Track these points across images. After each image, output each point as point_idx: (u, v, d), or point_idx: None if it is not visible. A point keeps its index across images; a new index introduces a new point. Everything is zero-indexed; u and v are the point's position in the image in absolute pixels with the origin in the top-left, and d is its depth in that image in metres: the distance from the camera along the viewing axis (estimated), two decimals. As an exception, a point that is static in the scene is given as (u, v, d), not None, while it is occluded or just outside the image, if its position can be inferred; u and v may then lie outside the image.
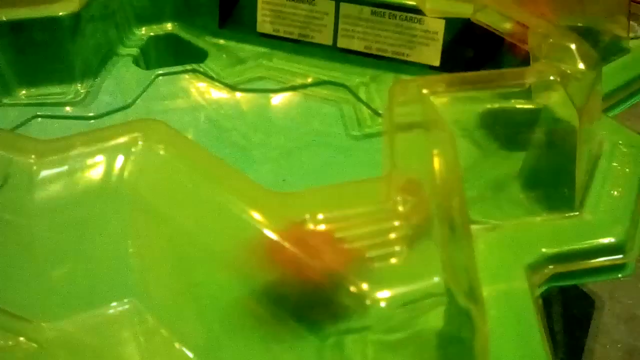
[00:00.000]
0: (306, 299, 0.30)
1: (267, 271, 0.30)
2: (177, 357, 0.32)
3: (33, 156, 0.33)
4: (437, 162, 0.32)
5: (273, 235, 0.29)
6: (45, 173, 0.33)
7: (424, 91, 0.36)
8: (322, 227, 0.29)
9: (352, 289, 0.28)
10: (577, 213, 0.38)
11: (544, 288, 0.36)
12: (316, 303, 0.30)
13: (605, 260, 0.37)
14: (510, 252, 0.36)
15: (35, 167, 0.33)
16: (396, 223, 0.29)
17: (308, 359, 0.30)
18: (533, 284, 0.34)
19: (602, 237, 0.37)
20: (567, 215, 0.38)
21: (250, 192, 0.31)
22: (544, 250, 0.36)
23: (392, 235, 0.29)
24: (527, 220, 0.38)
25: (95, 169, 0.33)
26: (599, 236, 0.37)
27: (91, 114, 0.57)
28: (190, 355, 0.32)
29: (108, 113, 0.57)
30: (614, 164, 0.41)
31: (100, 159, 0.33)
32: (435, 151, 0.32)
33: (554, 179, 0.40)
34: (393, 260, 0.28)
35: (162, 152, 0.33)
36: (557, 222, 0.38)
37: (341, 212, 0.30)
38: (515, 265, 0.35)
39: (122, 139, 0.33)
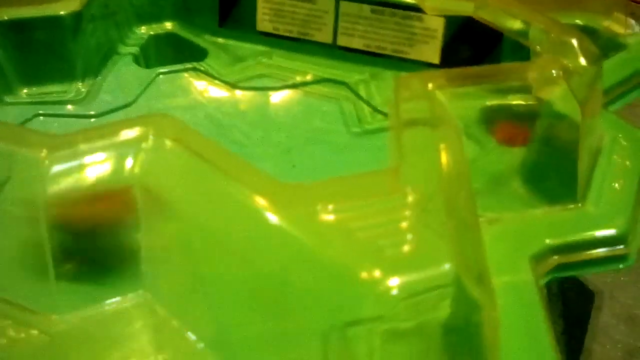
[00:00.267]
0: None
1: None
2: (188, 348, 0.33)
3: (44, 150, 0.33)
4: (444, 157, 0.32)
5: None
6: (55, 167, 0.33)
7: (430, 86, 0.36)
8: (332, 217, 0.30)
9: (364, 275, 0.28)
10: (579, 205, 0.39)
11: (548, 278, 0.36)
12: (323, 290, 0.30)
13: (607, 251, 0.37)
14: (514, 243, 0.36)
15: (45, 162, 0.33)
16: (406, 212, 0.30)
17: (316, 347, 0.31)
18: (537, 275, 0.35)
19: (604, 229, 0.37)
20: (569, 207, 0.39)
21: (261, 184, 0.31)
22: (547, 241, 0.36)
23: (403, 224, 0.30)
24: (530, 212, 0.39)
25: (105, 163, 0.33)
26: (601, 227, 0.38)
27: (92, 113, 0.57)
28: (201, 345, 0.33)
29: (109, 112, 0.57)
30: (615, 157, 0.42)
31: (111, 153, 0.33)
32: (442, 145, 0.32)
33: (555, 172, 0.40)
34: (405, 248, 0.29)
35: (172, 147, 0.33)
36: (560, 214, 0.38)
37: (352, 203, 0.30)
38: (519, 257, 0.35)
39: (132, 134, 0.33)
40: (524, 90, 0.40)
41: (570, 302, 0.60)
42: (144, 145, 0.33)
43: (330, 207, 0.30)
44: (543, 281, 0.35)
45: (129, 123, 0.34)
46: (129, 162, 0.33)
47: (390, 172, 0.32)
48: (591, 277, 0.61)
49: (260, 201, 0.31)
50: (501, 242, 0.36)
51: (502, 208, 0.39)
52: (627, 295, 0.61)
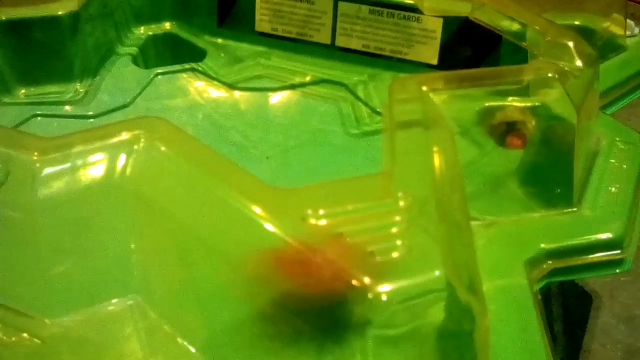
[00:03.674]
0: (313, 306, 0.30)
1: (274, 283, 0.31)
2: (179, 352, 0.33)
3: (36, 153, 0.33)
4: (437, 159, 0.32)
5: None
6: (47, 170, 0.33)
7: (424, 88, 0.36)
8: (323, 222, 0.30)
9: (355, 282, 0.28)
10: (575, 209, 0.39)
11: (543, 283, 0.36)
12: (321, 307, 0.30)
13: (603, 256, 0.37)
14: (509, 247, 0.36)
15: (38, 165, 0.33)
16: (397, 218, 0.30)
17: (308, 354, 0.30)
18: (532, 279, 0.35)
19: (600, 233, 0.37)
20: (565, 211, 0.38)
21: (252, 188, 0.31)
22: (542, 245, 0.36)
23: (393, 230, 0.29)
24: (526, 216, 0.38)
25: (97, 166, 0.33)
26: (597, 232, 0.37)
27: (90, 113, 0.57)
28: (192, 350, 0.33)
29: (107, 112, 0.57)
30: (612, 161, 0.41)
31: (102, 156, 0.33)
32: (435, 148, 0.32)
33: (552, 175, 0.40)
34: (394, 254, 0.29)
35: (164, 149, 0.33)
36: (556, 217, 0.38)
37: (342, 208, 0.30)
38: (514, 261, 0.35)
39: (124, 136, 0.33)
40: (521, 92, 0.40)
41: (571, 302, 0.60)
42: (135, 147, 0.33)
43: (321, 212, 0.30)
44: (538, 286, 0.35)
45: (120, 126, 0.34)
46: (120, 165, 0.33)
47: (382, 176, 0.32)
48: (591, 278, 0.61)
49: (252, 206, 0.30)
50: (497, 246, 0.36)
51: (500, 211, 0.39)
52: (627, 295, 0.61)
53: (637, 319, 0.59)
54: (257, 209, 0.30)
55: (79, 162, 0.33)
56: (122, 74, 0.60)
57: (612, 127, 0.44)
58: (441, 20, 0.56)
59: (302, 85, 0.60)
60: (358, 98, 0.58)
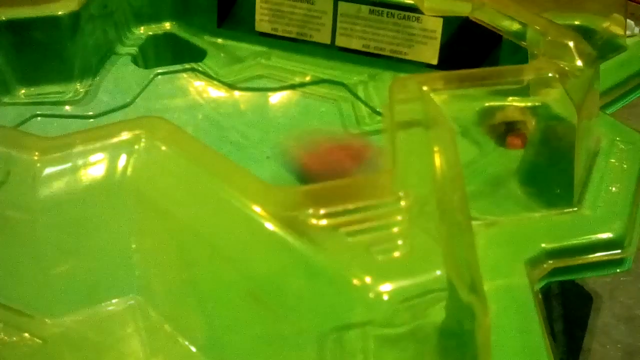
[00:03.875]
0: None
1: None
2: (181, 352, 0.33)
3: (36, 153, 0.33)
4: (438, 159, 0.32)
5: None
6: (48, 170, 0.33)
7: (424, 88, 0.36)
8: (323, 222, 0.30)
9: (356, 282, 0.28)
10: (575, 209, 0.39)
11: (543, 283, 0.36)
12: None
13: (603, 255, 0.37)
14: (509, 247, 0.36)
15: (38, 164, 0.33)
16: (398, 217, 0.30)
17: (309, 354, 0.30)
18: (533, 279, 0.35)
19: (601, 233, 0.37)
20: (565, 211, 0.39)
21: (252, 188, 0.31)
22: (543, 245, 0.36)
23: (394, 230, 0.29)
24: (526, 216, 0.38)
25: (98, 165, 0.33)
26: (598, 231, 0.37)
27: (90, 113, 0.57)
28: (194, 349, 0.33)
29: (107, 112, 0.57)
30: (612, 160, 0.42)
31: (103, 156, 0.33)
32: (436, 148, 0.32)
33: (552, 175, 0.40)
34: (396, 254, 0.29)
35: (164, 149, 0.33)
36: (556, 217, 0.38)
37: (344, 207, 0.30)
38: (515, 261, 0.35)
39: (125, 136, 0.33)
40: (521, 92, 0.40)
41: (571, 302, 0.60)
42: (136, 147, 0.33)
43: (322, 211, 0.30)
44: (538, 285, 0.35)
45: (121, 125, 0.34)
46: (120, 165, 0.33)
47: (382, 175, 0.32)
48: (591, 278, 0.61)
49: (253, 205, 0.30)
50: (497, 246, 0.36)
51: (500, 211, 0.39)
52: (627, 296, 0.61)
53: (637, 319, 0.59)
54: (257, 209, 0.30)
55: (80, 162, 0.33)
56: (122, 74, 0.60)
57: (612, 127, 0.44)
58: (441, 20, 0.56)
59: (302, 85, 0.60)
60: (358, 98, 0.58)
